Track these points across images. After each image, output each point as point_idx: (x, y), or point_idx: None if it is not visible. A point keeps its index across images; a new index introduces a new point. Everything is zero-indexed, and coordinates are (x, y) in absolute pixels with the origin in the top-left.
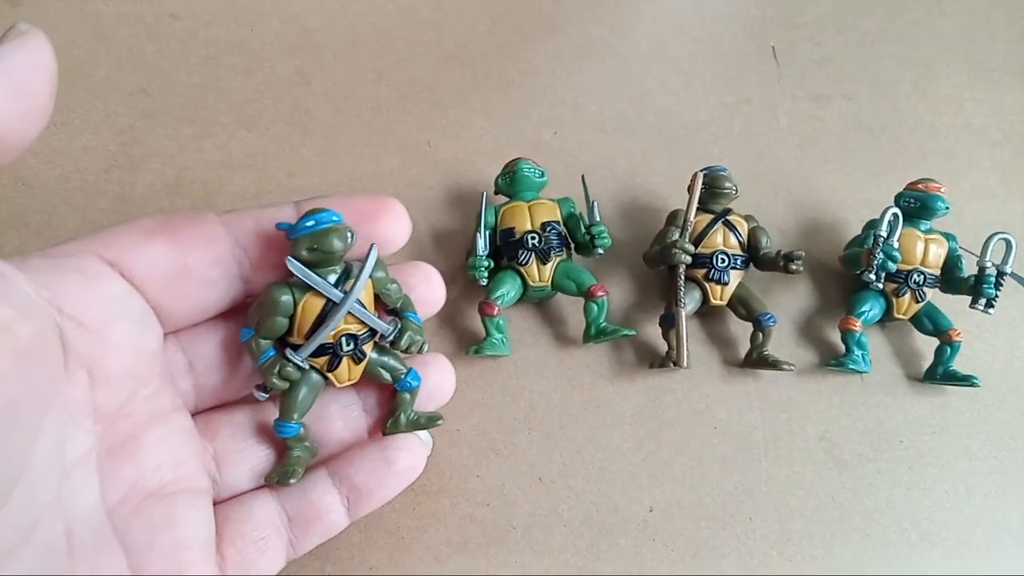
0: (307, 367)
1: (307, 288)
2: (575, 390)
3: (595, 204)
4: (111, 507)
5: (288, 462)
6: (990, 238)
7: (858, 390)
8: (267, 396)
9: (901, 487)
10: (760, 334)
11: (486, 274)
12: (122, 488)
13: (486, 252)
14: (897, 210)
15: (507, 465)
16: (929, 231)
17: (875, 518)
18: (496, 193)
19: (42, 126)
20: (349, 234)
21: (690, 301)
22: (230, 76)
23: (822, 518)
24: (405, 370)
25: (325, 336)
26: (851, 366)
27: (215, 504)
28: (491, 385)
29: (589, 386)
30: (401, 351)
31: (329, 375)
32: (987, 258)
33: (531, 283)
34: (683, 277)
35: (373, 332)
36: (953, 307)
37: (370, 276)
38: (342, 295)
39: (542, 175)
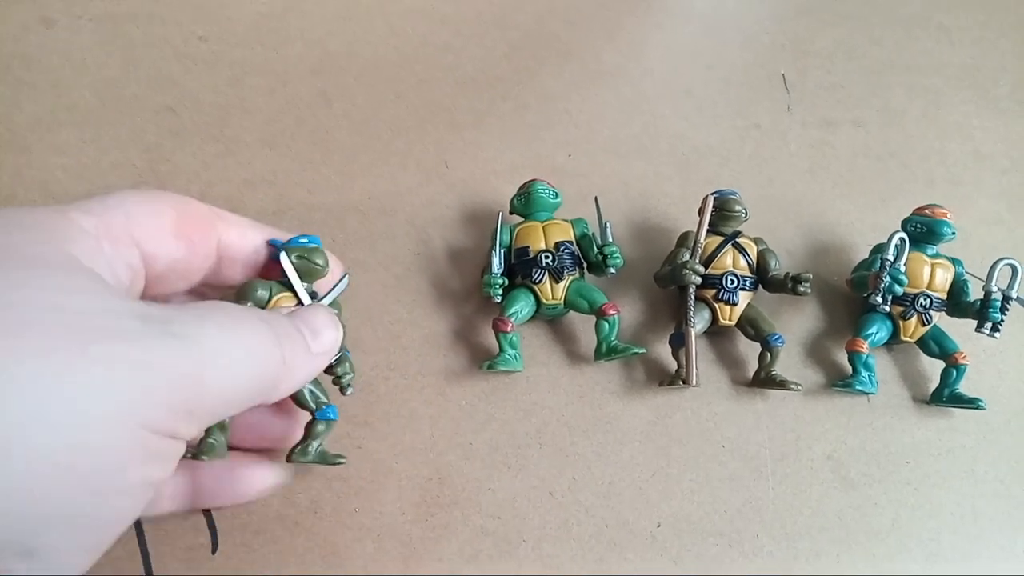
0: None
1: (282, 288)
2: (586, 406)
3: (608, 225)
4: None
5: (204, 443)
6: (996, 263)
7: (865, 411)
8: None
9: (907, 508)
10: (768, 354)
11: (500, 291)
12: None
13: (501, 270)
14: (904, 235)
15: (518, 479)
16: (935, 256)
17: (881, 538)
18: (511, 213)
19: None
20: (327, 266)
21: (700, 321)
22: (254, 96)
23: (828, 537)
24: (327, 403)
25: None
26: (858, 387)
27: None
28: (504, 400)
29: (600, 403)
30: (336, 376)
31: None
32: (993, 283)
33: (544, 301)
34: (693, 297)
35: None
36: (959, 330)
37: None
38: (310, 299)
39: (556, 196)
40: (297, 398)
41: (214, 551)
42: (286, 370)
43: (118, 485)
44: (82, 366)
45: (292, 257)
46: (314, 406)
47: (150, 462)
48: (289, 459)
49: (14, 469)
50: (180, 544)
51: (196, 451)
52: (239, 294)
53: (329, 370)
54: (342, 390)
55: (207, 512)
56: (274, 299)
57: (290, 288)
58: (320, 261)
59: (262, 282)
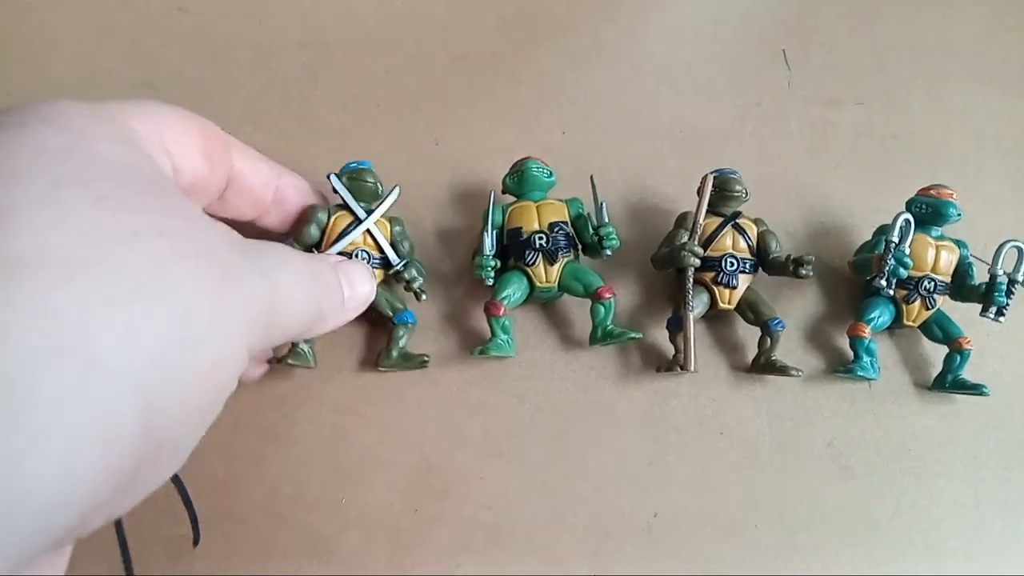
0: None
1: (339, 209)
2: (581, 393)
3: (604, 205)
4: None
5: (293, 351)
6: (1002, 246)
7: (866, 397)
8: None
9: (908, 496)
10: (768, 339)
11: (492, 274)
12: None
13: (493, 252)
14: (909, 216)
15: (511, 468)
16: (940, 238)
17: (882, 528)
18: (504, 192)
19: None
20: (379, 183)
21: (698, 305)
22: (237, 71)
23: (828, 527)
24: (403, 308)
25: (344, 245)
26: (859, 373)
27: None
28: (496, 386)
29: (595, 389)
30: (405, 282)
31: None
32: (999, 266)
33: (538, 284)
34: (691, 280)
35: (384, 263)
36: (963, 315)
37: (390, 226)
38: (366, 215)
39: (550, 175)
40: (376, 307)
41: (196, 543)
42: (321, 319)
43: (224, 393)
44: (220, 296)
45: (344, 179)
46: (391, 312)
47: (234, 378)
48: (377, 365)
49: (174, 375)
50: (161, 536)
51: (284, 357)
52: (305, 218)
53: (398, 277)
54: (416, 296)
55: (188, 503)
56: (333, 218)
57: (347, 208)
58: (370, 179)
59: (322, 207)
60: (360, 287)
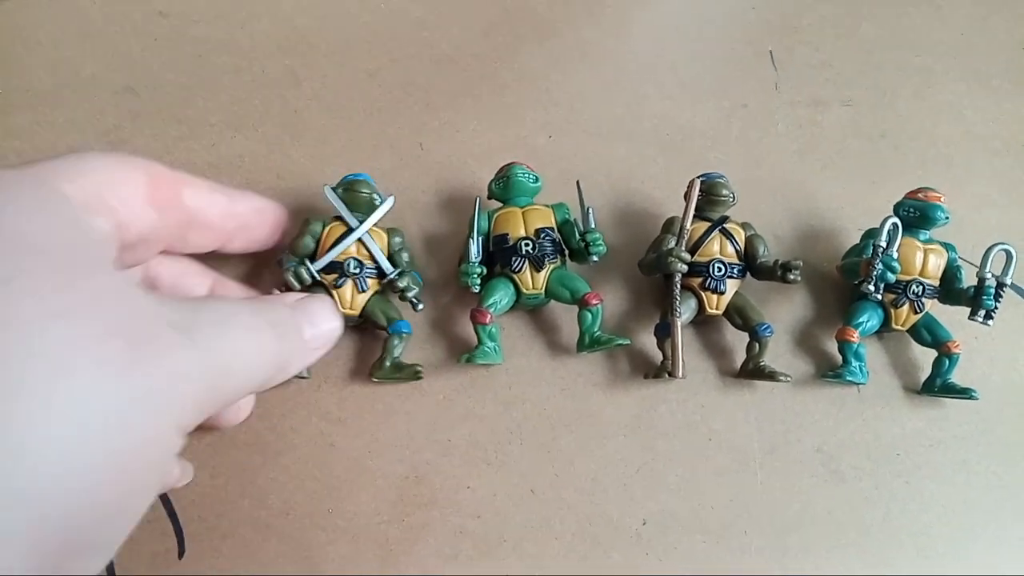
0: (317, 277)
1: (334, 220)
2: (568, 400)
3: (590, 210)
4: None
5: None
6: (990, 249)
7: (855, 402)
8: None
9: (898, 500)
10: (756, 344)
11: (479, 281)
12: None
13: (479, 258)
14: (897, 220)
15: (499, 476)
16: (928, 241)
17: (872, 532)
18: (489, 198)
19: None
20: (377, 195)
21: (686, 310)
22: (219, 75)
23: (818, 532)
24: (398, 317)
25: (336, 254)
26: (848, 377)
27: None
28: (483, 394)
29: (583, 396)
30: (399, 291)
31: (334, 293)
32: (987, 269)
33: (524, 290)
34: (679, 286)
35: (379, 272)
36: (952, 318)
37: (388, 236)
38: (358, 224)
39: (536, 180)
40: (370, 317)
41: (180, 556)
42: (283, 367)
43: (152, 481)
44: (131, 378)
45: (339, 189)
46: (386, 322)
47: (170, 456)
48: (371, 375)
49: (76, 472)
50: (145, 550)
51: None
52: (300, 231)
53: (392, 286)
54: (413, 306)
55: (173, 516)
56: (328, 228)
57: (342, 219)
58: (364, 190)
59: (317, 218)
60: (323, 324)
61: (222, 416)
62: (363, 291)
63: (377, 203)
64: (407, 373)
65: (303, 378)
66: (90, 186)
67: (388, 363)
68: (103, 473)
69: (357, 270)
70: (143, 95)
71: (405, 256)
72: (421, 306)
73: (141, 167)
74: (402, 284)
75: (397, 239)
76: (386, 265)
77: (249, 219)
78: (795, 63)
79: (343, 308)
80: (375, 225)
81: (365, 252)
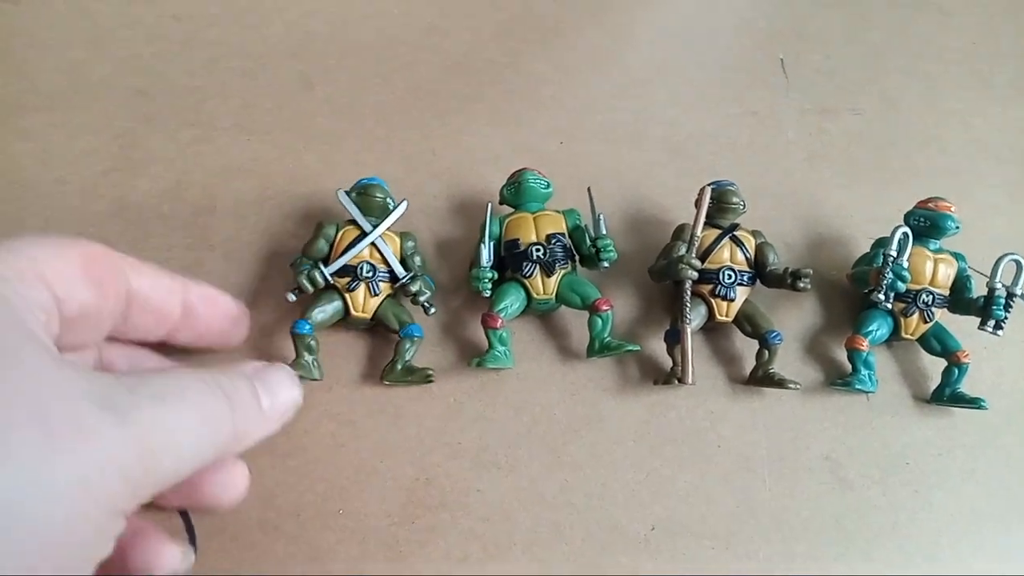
0: (331, 280)
1: (347, 224)
2: (578, 405)
3: (601, 217)
4: None
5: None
6: (1000, 259)
7: (864, 410)
8: (295, 298)
9: (906, 509)
10: (766, 351)
11: (490, 286)
12: None
13: (490, 263)
14: (907, 229)
15: (508, 480)
16: (939, 250)
17: (880, 541)
18: (501, 203)
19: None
20: (390, 199)
21: (696, 317)
22: (231, 79)
23: (826, 540)
24: (410, 321)
25: (350, 257)
26: (857, 386)
27: None
28: (493, 398)
29: (592, 401)
30: (411, 294)
31: (347, 296)
32: (997, 279)
33: (535, 296)
34: (689, 293)
35: (391, 276)
36: (961, 328)
37: (401, 241)
38: (371, 228)
39: (548, 186)
40: (382, 320)
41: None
42: (238, 438)
43: (86, 563)
44: (54, 460)
45: (354, 194)
46: (397, 326)
47: (102, 538)
48: (382, 379)
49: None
50: None
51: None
52: (313, 235)
53: (404, 290)
54: (424, 310)
55: (185, 515)
56: (341, 232)
57: (355, 223)
58: (378, 194)
59: (331, 221)
60: (282, 394)
61: (215, 497)
62: (376, 295)
63: (390, 207)
64: (418, 376)
65: (315, 379)
66: (24, 261)
67: (399, 366)
68: (30, 559)
69: (370, 274)
70: (156, 98)
71: (417, 260)
72: (433, 310)
73: (74, 245)
74: (414, 288)
75: (410, 243)
76: (399, 269)
77: (198, 308)
78: (804, 71)
79: (356, 311)
80: (388, 229)
81: (378, 256)
